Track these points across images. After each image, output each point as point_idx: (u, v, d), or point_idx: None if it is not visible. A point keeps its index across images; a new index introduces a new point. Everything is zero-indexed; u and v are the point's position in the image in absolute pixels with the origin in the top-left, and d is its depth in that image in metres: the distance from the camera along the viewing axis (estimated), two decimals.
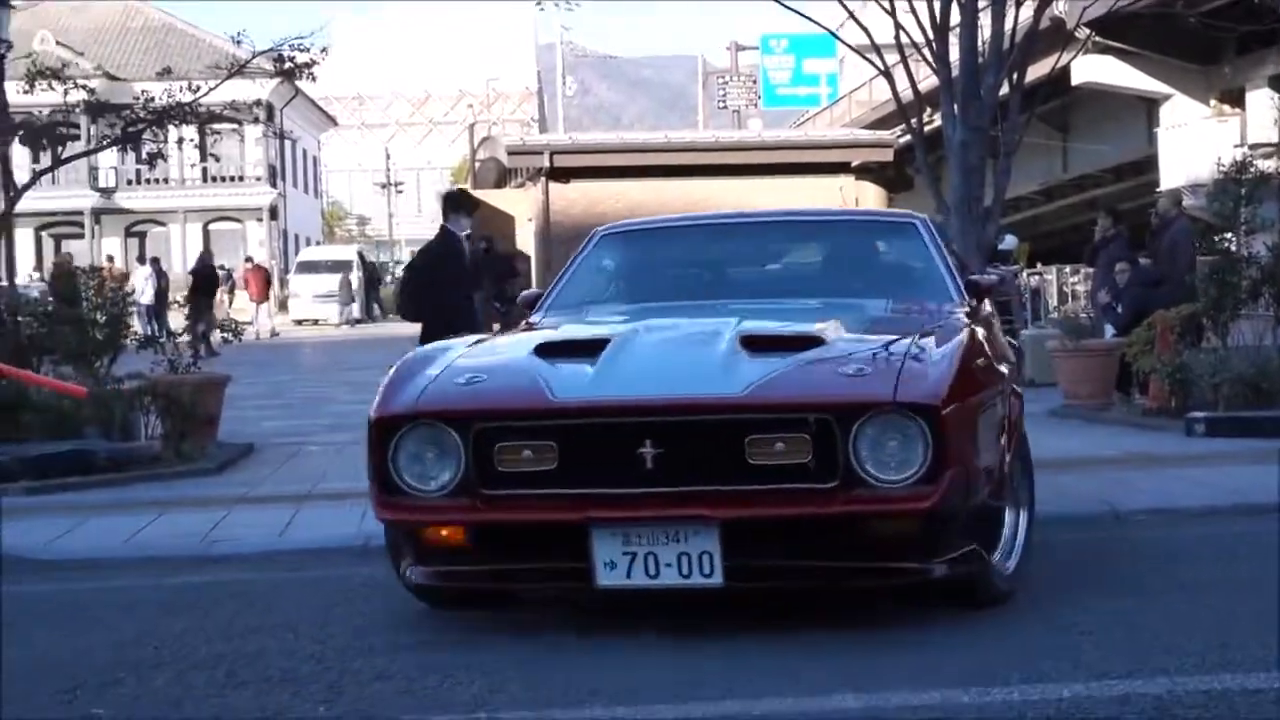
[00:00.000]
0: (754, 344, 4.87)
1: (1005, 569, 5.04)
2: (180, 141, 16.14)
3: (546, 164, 24.97)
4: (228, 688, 4.36)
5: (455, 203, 9.99)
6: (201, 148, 15.59)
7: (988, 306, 6.36)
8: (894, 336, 4.96)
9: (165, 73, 14.50)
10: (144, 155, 15.17)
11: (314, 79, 14.52)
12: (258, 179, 51.29)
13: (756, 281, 6.53)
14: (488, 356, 5.26)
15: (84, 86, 14.58)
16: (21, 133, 15.39)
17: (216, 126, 16.32)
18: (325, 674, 4.49)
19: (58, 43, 41.47)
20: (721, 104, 49.98)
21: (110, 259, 36.98)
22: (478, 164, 34.63)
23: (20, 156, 15.31)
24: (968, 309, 5.79)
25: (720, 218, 7.56)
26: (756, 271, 6.66)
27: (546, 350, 5.08)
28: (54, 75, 13.64)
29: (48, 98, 14.36)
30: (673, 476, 4.59)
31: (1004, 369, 5.41)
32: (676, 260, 6.71)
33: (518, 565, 4.84)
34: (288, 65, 14.07)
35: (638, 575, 4.59)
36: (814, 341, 4.92)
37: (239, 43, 14.56)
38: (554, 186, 24.68)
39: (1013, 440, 5.13)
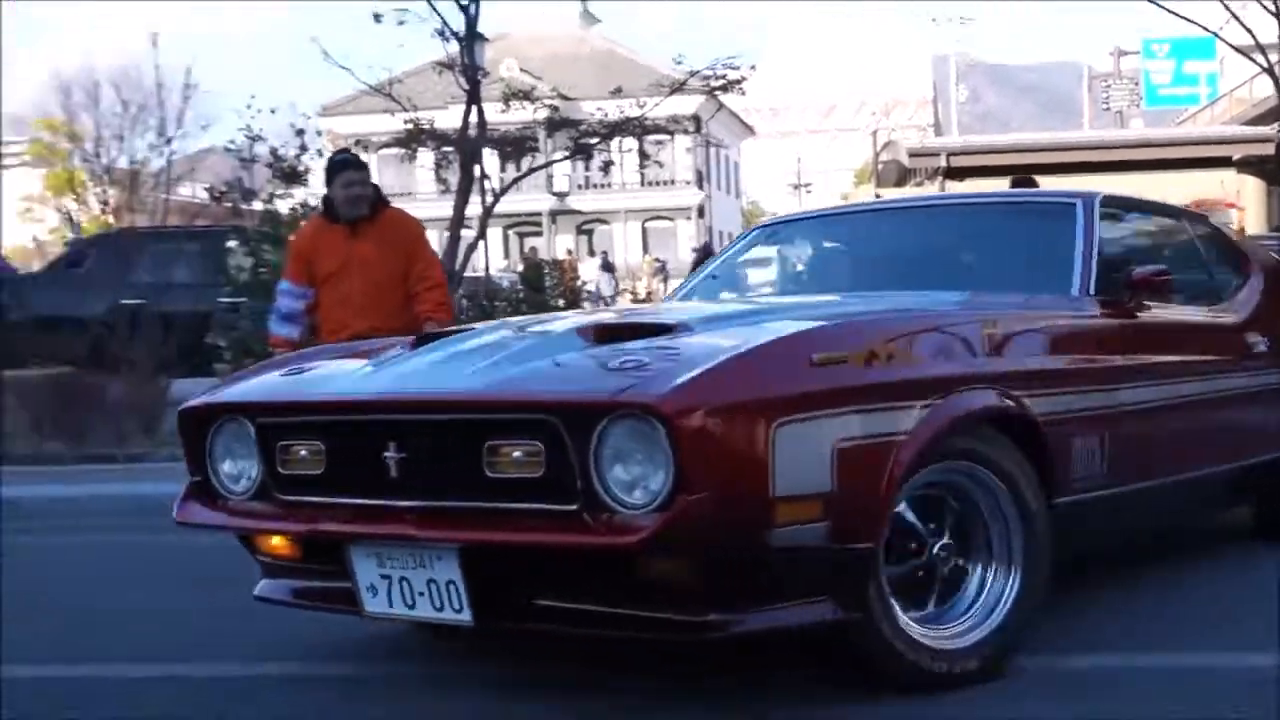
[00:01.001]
0: (599, 335, 3.68)
1: (954, 640, 3.63)
2: (628, 151, 16.59)
3: (944, 164, 24.58)
4: None
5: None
6: (642, 155, 15.95)
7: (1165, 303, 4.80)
8: (791, 325, 3.57)
9: (617, 92, 14.90)
10: (600, 164, 15.62)
11: (743, 93, 14.67)
12: (687, 182, 52.38)
13: (870, 273, 5.29)
14: (370, 347, 4.34)
15: (550, 105, 15.17)
16: (497, 148, 16.09)
17: (654, 137, 16.65)
18: None
19: (520, 69, 43.22)
20: (1105, 106, 48.11)
21: (570, 252, 38.43)
22: (880, 165, 34.34)
23: (489, 166, 16.02)
24: (1101, 304, 4.48)
25: (872, 206, 6.19)
26: (879, 262, 5.39)
27: (421, 341, 4.13)
28: (525, 96, 14.21)
29: (508, 117, 14.96)
30: (416, 488, 3.50)
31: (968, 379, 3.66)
32: (806, 251, 5.71)
33: (319, 584, 3.89)
34: (720, 82, 14.28)
35: (397, 604, 3.53)
36: (665, 330, 3.64)
37: (679, 63, 14.84)
38: (950, 185, 24.26)
39: (894, 468, 3.38)
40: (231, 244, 14.03)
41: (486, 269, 19.77)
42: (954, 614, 3.69)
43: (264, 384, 4.08)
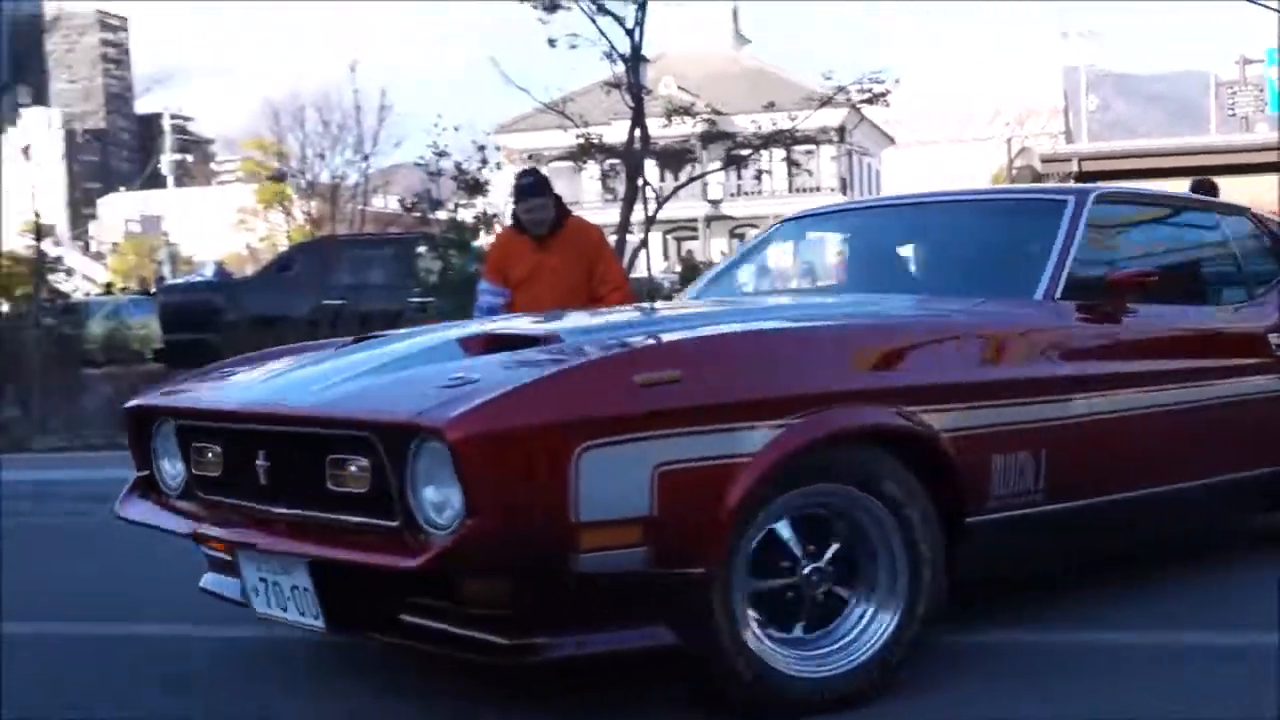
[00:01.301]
0: (479, 346, 3.45)
1: (823, 667, 3.24)
2: (781, 160, 16.54)
3: (1075, 169, 24.02)
4: None
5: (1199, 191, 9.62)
6: (791, 165, 15.79)
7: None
8: (635, 336, 3.30)
9: (770, 106, 14.83)
10: (753, 174, 15.61)
11: (888, 105, 14.50)
12: (832, 189, 51.93)
13: (862, 271, 4.93)
14: (306, 348, 4.09)
15: (709, 120, 15.18)
16: (658, 159, 16.16)
17: (803, 147, 16.58)
18: None
19: (679, 87, 43.26)
20: (1230, 112, 46.61)
21: (724, 254, 38.50)
22: (1014, 171, 33.71)
23: (650, 176, 16.13)
24: (1073, 308, 3.97)
25: (885, 202, 5.61)
26: (872, 261, 5.00)
27: (354, 343, 3.96)
28: (685, 112, 14.28)
29: (667, 130, 15.00)
30: (281, 496, 3.29)
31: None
32: (818, 247, 5.28)
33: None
34: (866, 96, 14.13)
35: (274, 606, 3.31)
36: (535, 342, 3.37)
37: (828, 78, 14.71)
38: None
39: (736, 492, 3.00)
40: (421, 250, 14.31)
41: (649, 271, 19.82)
42: (827, 640, 3.28)
43: (184, 387, 3.92)
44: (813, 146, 36.32)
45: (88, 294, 30.20)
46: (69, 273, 30.14)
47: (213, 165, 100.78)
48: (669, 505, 2.93)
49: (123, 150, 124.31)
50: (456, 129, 14.72)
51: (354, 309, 13.51)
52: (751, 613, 3.17)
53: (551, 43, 13.82)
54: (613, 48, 13.58)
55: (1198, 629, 3.93)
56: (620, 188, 14.51)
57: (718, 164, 16.30)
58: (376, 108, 38.07)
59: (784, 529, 3.23)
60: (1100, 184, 4.42)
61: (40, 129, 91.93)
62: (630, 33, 13.42)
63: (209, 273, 24.76)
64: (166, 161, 67.12)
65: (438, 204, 14.69)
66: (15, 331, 14.01)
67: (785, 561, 3.24)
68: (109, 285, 39.82)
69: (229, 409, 3.52)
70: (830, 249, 5.31)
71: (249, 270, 29.66)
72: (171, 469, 3.75)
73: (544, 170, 7.51)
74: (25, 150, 63.01)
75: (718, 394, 3.05)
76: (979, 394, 3.55)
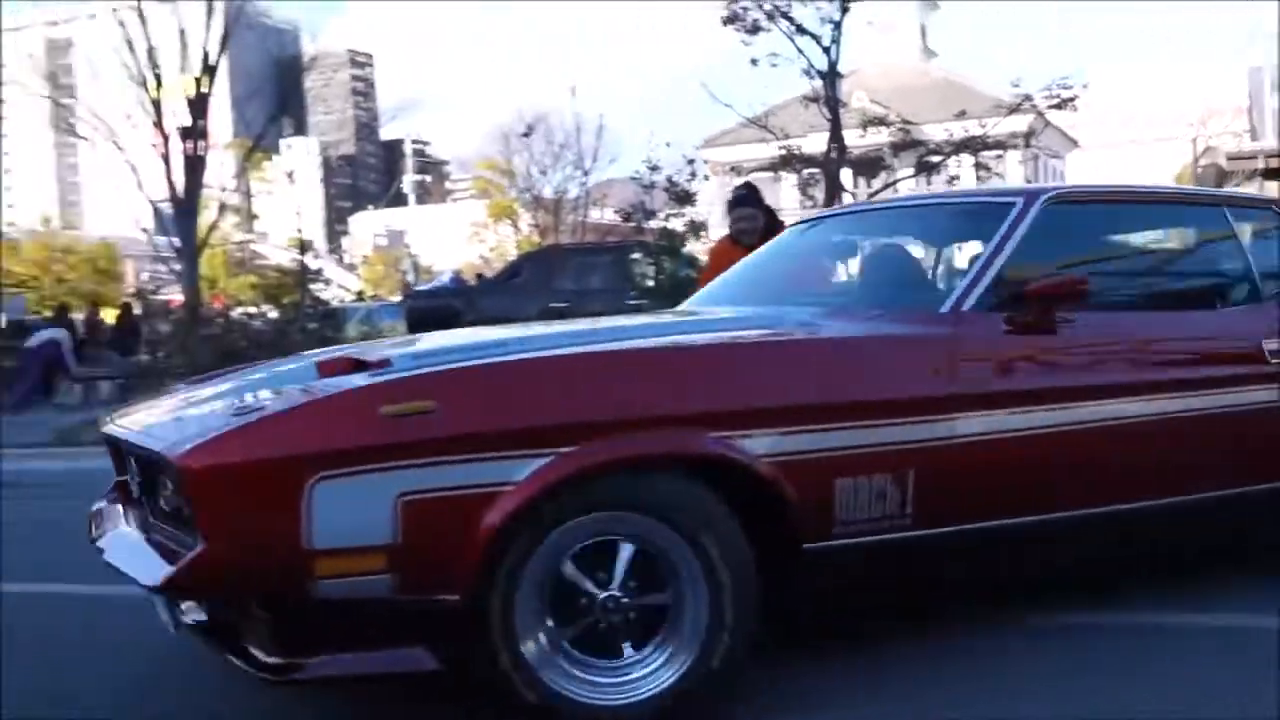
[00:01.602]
0: (330, 369, 3.14)
1: (615, 695, 2.91)
2: (970, 165, 16.22)
3: (1261, 165, 22.94)
4: None
5: None
6: (982, 169, 15.44)
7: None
8: (457, 362, 2.96)
9: (961, 114, 14.56)
10: (946, 179, 15.36)
11: (1075, 109, 14.06)
12: None
13: (817, 280, 4.48)
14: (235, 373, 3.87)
15: (903, 129, 15.00)
16: (853, 167, 16.01)
17: (993, 152, 16.26)
18: None
19: (871, 100, 42.73)
20: None
21: None
22: (1199, 169, 32.32)
23: (845, 182, 16.02)
24: (983, 321, 3.40)
25: (869, 207, 4.95)
26: (825, 268, 4.55)
27: (260, 365, 3.83)
28: (880, 123, 14.14)
29: (860, 140, 14.85)
30: (151, 511, 3.15)
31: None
32: (811, 254, 4.64)
33: None
34: (1055, 101, 13.73)
35: (160, 609, 3.07)
36: (373, 365, 3.06)
37: (1016, 86, 14.34)
38: (1269, 185, 22.61)
39: (494, 520, 2.75)
40: (636, 256, 14.45)
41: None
42: (618, 670, 2.94)
43: (132, 407, 3.75)
44: (1000, 151, 35.51)
45: (343, 301, 31.40)
46: (327, 282, 31.40)
47: (448, 184, 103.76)
48: (414, 534, 2.71)
49: (370, 173, 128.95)
50: (667, 145, 14.88)
51: (576, 310, 13.73)
52: (542, 637, 2.90)
53: (754, 62, 13.83)
54: (811, 65, 13.52)
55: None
56: (819, 195, 14.42)
57: (910, 170, 16.05)
58: (594, 128, 38.65)
59: (573, 558, 2.92)
60: (1062, 184, 3.77)
61: (301, 156, 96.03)
62: (827, 50, 13.35)
63: (446, 280, 25.44)
64: (408, 182, 69.41)
65: (650, 214, 14.83)
66: (283, 335, 14.65)
67: (578, 591, 2.93)
68: (360, 293, 41.33)
69: (106, 431, 3.47)
70: (824, 255, 4.76)
71: (475, 278, 30.38)
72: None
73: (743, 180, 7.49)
74: (289, 175, 65.89)
75: (473, 424, 2.78)
76: (817, 416, 3.08)
